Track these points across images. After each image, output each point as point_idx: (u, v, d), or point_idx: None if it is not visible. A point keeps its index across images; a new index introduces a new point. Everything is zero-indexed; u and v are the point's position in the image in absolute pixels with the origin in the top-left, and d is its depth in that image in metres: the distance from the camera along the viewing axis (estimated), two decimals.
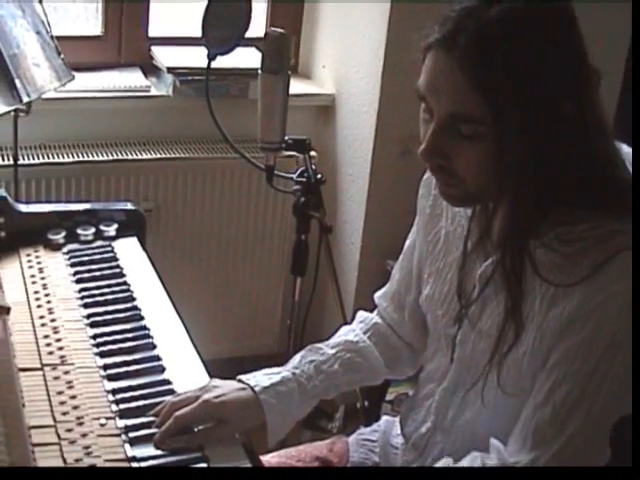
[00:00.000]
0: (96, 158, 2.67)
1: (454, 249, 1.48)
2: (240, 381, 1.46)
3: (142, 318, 1.70)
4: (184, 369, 1.56)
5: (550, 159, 1.23)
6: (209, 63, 1.98)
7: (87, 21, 2.88)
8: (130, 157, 2.71)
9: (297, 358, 1.55)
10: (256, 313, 3.09)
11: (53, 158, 2.63)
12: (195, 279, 2.93)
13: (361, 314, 1.73)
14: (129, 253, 1.97)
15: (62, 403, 1.43)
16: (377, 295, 1.73)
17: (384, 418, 1.75)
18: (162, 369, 1.55)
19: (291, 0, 3.05)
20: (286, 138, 1.91)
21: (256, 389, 1.43)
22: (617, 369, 1.22)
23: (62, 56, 2.50)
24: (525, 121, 1.19)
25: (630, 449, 1.22)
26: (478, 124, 1.21)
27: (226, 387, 1.43)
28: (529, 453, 1.27)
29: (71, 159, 2.64)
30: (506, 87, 1.18)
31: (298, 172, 1.95)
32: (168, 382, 1.51)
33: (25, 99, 2.13)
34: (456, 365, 1.47)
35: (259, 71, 1.86)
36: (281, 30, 1.82)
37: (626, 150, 1.37)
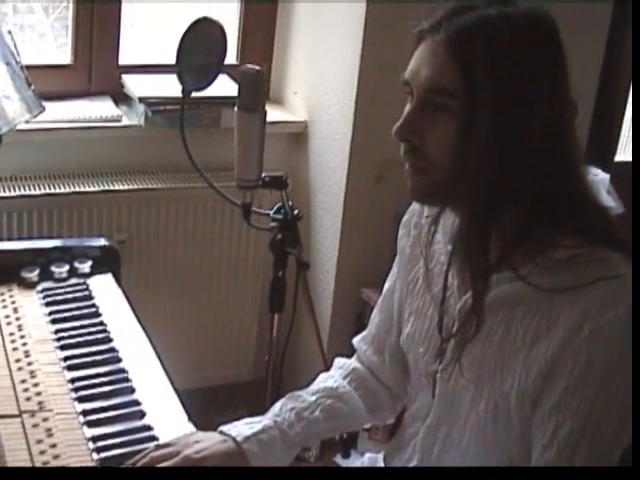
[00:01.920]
0: (68, 190, 2.64)
1: (434, 286, 1.49)
2: (222, 432, 1.45)
3: (120, 360, 1.68)
4: (164, 413, 1.55)
5: (515, 157, 1.25)
6: (184, 98, 1.95)
7: (56, 49, 2.85)
8: (102, 188, 2.68)
9: (277, 406, 1.53)
10: (230, 342, 3.07)
11: (23, 190, 2.60)
12: (169, 309, 2.90)
13: (339, 360, 1.72)
14: (104, 291, 1.94)
15: (42, 452, 1.41)
16: (356, 339, 1.73)
17: (367, 455, 1.74)
18: (142, 414, 1.53)
19: (262, 26, 3.03)
20: (263, 175, 1.89)
21: (238, 439, 1.42)
22: (615, 396, 1.24)
23: (32, 87, 2.47)
24: (496, 107, 1.23)
25: (630, 449, 1.25)
26: (451, 97, 1.26)
27: (207, 441, 1.41)
28: None
29: (42, 191, 2.61)
30: (483, 68, 1.23)
31: (275, 208, 1.93)
32: (149, 428, 1.49)
33: None
34: (438, 401, 1.46)
35: (235, 108, 1.84)
36: (257, 67, 1.81)
37: (602, 176, 1.39)
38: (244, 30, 3.02)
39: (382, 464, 1.66)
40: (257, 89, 1.81)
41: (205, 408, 3.09)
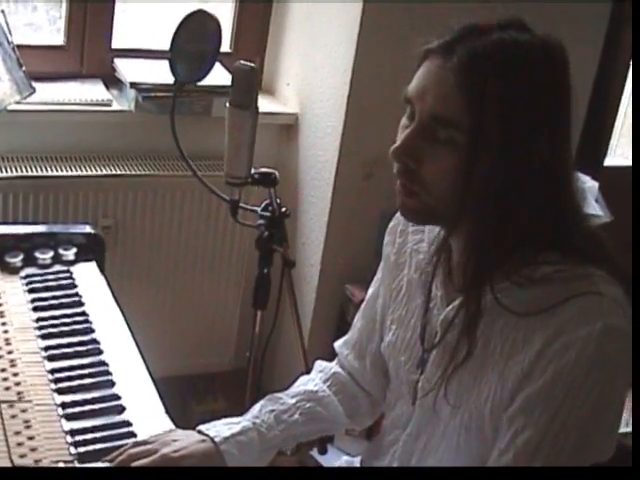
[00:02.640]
0: (54, 173, 2.61)
1: (417, 296, 1.49)
2: (200, 432, 1.44)
3: (101, 352, 1.68)
4: (144, 409, 1.54)
5: (516, 190, 1.24)
6: (176, 90, 1.94)
7: (49, 33, 2.82)
8: (90, 173, 2.66)
9: (257, 407, 1.53)
10: (212, 331, 3.06)
11: (9, 172, 2.57)
12: (152, 296, 2.89)
13: (320, 364, 1.72)
14: (88, 279, 1.94)
15: (20, 444, 1.41)
16: (337, 344, 1.72)
17: (344, 459, 1.74)
18: (121, 409, 1.52)
19: (257, 16, 3.01)
20: (252, 172, 1.88)
21: (216, 440, 1.41)
22: (578, 412, 1.23)
23: (24, 68, 2.46)
24: (502, 142, 1.21)
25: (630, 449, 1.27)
26: (455, 129, 1.23)
27: (186, 440, 1.41)
28: None
29: (28, 173, 2.58)
30: (492, 102, 1.20)
31: (262, 205, 1.92)
32: (128, 424, 1.49)
33: None
34: (418, 411, 1.47)
35: (227, 104, 1.83)
36: (250, 64, 1.79)
37: (590, 184, 1.38)
38: (239, 19, 3.00)
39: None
40: (250, 86, 1.80)
41: (184, 396, 3.10)
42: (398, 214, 1.57)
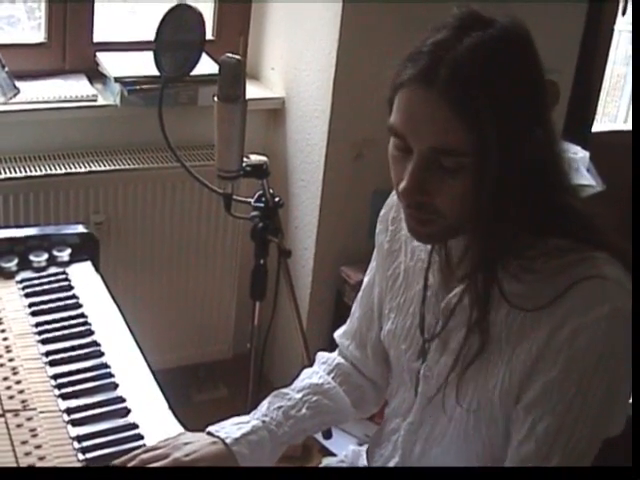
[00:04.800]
0: (43, 172, 2.60)
1: (414, 283, 1.48)
2: (210, 434, 1.44)
3: (102, 354, 1.67)
4: (149, 410, 1.54)
5: (524, 185, 1.23)
6: (163, 85, 1.93)
7: (31, 29, 2.80)
8: (78, 170, 2.64)
9: (265, 405, 1.53)
10: (210, 320, 3.06)
11: None
12: (148, 289, 2.89)
13: (322, 355, 1.71)
14: (84, 280, 1.92)
15: (27, 454, 1.40)
16: (337, 334, 1.72)
17: (351, 448, 1.74)
18: (126, 411, 1.52)
19: (238, 2, 2.99)
20: (244, 164, 1.87)
21: (227, 441, 1.41)
22: (593, 396, 1.24)
23: (6, 69, 2.44)
24: (504, 148, 1.19)
25: (630, 449, 1.27)
26: (461, 156, 1.21)
27: (197, 443, 1.41)
28: None
29: (16, 174, 2.57)
30: (487, 115, 1.18)
31: (256, 197, 1.91)
32: (134, 426, 1.48)
33: None
34: (420, 399, 1.47)
35: (215, 99, 1.82)
36: (237, 57, 1.77)
37: (582, 154, 1.37)
38: (220, 6, 2.97)
39: (364, 458, 1.67)
40: (237, 79, 1.78)
41: (186, 386, 3.10)
42: (389, 200, 1.57)
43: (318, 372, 1.65)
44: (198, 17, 1.82)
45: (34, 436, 1.43)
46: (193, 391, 3.13)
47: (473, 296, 1.31)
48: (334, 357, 1.69)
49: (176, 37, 1.85)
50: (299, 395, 1.56)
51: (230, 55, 1.78)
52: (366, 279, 1.66)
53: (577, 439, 1.26)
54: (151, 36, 1.98)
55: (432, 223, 1.29)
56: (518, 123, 1.21)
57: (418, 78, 1.21)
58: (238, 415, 1.51)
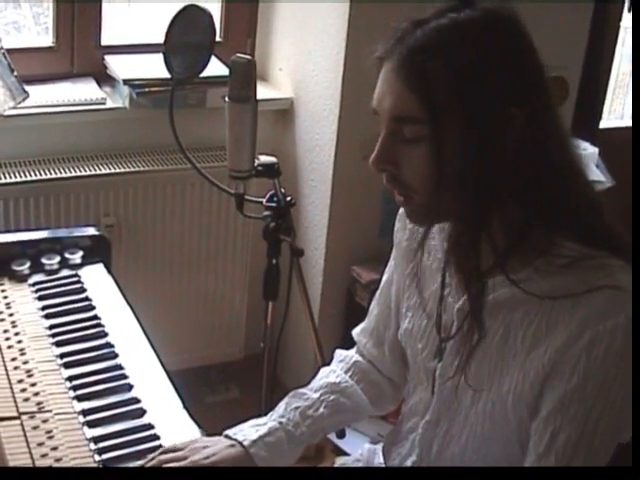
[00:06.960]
0: (53, 175, 2.61)
1: (432, 283, 1.47)
2: (227, 437, 1.44)
3: (116, 355, 1.67)
4: (164, 410, 1.54)
5: (494, 166, 1.23)
6: (174, 87, 1.93)
7: (37, 34, 2.81)
8: (88, 172, 2.65)
9: (282, 406, 1.52)
10: (222, 321, 3.06)
11: (7, 178, 2.56)
12: (160, 291, 2.89)
13: (340, 353, 1.71)
14: (96, 282, 1.93)
15: (44, 456, 1.40)
16: (355, 331, 1.71)
17: (366, 446, 1.74)
18: (142, 412, 1.52)
19: (245, 2, 2.99)
20: (255, 164, 1.87)
21: (245, 443, 1.41)
22: (612, 403, 1.24)
23: (15, 73, 2.44)
24: (466, 122, 1.21)
25: (630, 449, 1.26)
26: (417, 124, 1.24)
27: (215, 446, 1.40)
28: None
29: (27, 178, 2.57)
30: (442, 88, 1.21)
31: (267, 196, 1.91)
32: (150, 427, 1.48)
33: None
34: (437, 398, 1.46)
35: (226, 99, 1.82)
36: (248, 57, 1.77)
37: (591, 150, 1.36)
38: (227, 7, 2.98)
39: (381, 456, 1.66)
40: (248, 79, 1.78)
41: (198, 387, 3.11)
42: None
43: (335, 371, 1.64)
44: (208, 18, 1.82)
45: (50, 438, 1.44)
46: (205, 392, 3.13)
47: (468, 290, 1.32)
48: (352, 355, 1.69)
49: (186, 38, 1.85)
50: (316, 395, 1.55)
51: (241, 55, 1.78)
52: (384, 277, 1.65)
53: (596, 451, 1.25)
54: (158, 39, 1.98)
55: (409, 200, 1.32)
56: (485, 100, 1.22)
57: (383, 55, 1.28)
58: (250, 416, 1.51)
